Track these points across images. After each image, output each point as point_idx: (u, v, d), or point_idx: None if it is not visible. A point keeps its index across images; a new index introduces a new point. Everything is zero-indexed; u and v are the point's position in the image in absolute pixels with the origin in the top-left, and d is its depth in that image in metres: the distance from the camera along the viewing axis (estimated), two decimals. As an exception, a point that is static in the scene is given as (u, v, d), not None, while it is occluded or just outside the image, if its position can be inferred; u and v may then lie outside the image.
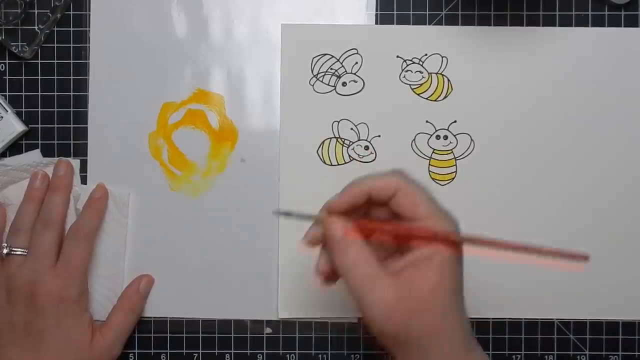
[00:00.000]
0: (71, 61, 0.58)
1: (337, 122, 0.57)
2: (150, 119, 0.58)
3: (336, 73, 0.57)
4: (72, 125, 0.58)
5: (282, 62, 0.57)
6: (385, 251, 0.44)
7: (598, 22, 0.57)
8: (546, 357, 0.57)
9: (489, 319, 0.57)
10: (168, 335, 0.58)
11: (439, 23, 0.57)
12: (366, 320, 0.42)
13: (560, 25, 0.57)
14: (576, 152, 0.57)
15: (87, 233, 0.54)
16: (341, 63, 0.57)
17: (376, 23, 0.57)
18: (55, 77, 0.58)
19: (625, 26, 0.57)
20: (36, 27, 0.57)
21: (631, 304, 0.57)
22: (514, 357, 0.57)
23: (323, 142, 0.57)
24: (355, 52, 0.57)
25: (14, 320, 0.52)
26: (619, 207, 0.57)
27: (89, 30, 0.58)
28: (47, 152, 0.58)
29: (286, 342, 0.58)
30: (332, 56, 0.57)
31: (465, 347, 0.42)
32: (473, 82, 0.57)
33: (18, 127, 0.57)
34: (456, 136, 0.57)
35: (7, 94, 0.58)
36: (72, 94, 0.58)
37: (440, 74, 0.57)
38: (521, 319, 0.57)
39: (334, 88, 0.57)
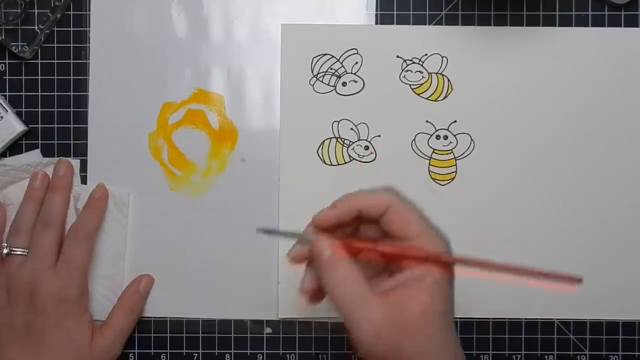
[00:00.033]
0: (71, 61, 0.58)
1: (337, 122, 0.57)
2: (150, 119, 0.58)
3: (336, 73, 0.57)
4: (72, 125, 0.58)
5: (282, 62, 0.57)
6: (373, 270, 0.44)
7: (598, 22, 0.57)
8: (546, 357, 0.57)
9: (489, 318, 0.57)
10: (168, 335, 0.58)
11: (439, 23, 0.57)
12: (354, 341, 0.40)
13: (560, 25, 0.57)
14: (576, 153, 0.57)
15: (87, 233, 0.54)
16: (341, 63, 0.57)
17: (376, 23, 0.57)
18: (55, 77, 0.58)
19: (625, 26, 0.57)
20: (36, 27, 0.57)
21: (631, 304, 0.57)
22: (514, 357, 0.57)
23: (323, 142, 0.57)
24: (355, 52, 0.57)
25: (14, 320, 0.52)
26: (619, 207, 0.57)
27: (89, 30, 0.58)
28: (47, 152, 0.58)
29: (286, 342, 0.58)
30: (332, 56, 0.57)
31: None
32: (473, 82, 0.57)
33: (18, 127, 0.57)
34: (456, 136, 0.57)
35: (7, 94, 0.58)
36: (72, 94, 0.58)
37: (440, 74, 0.57)
38: (521, 319, 0.57)
39: (334, 88, 0.57)
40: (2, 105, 0.56)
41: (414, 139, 0.57)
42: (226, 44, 0.58)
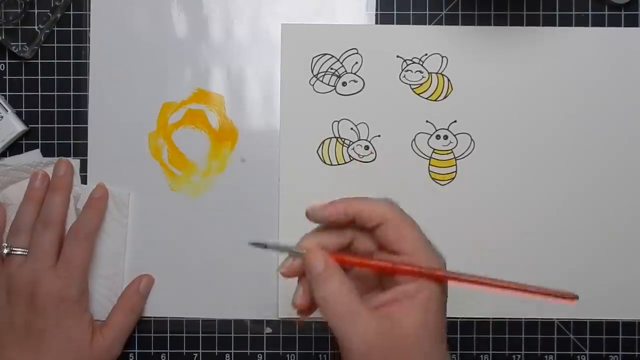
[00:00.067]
0: (71, 61, 0.58)
1: (337, 122, 0.57)
2: (150, 119, 0.58)
3: (336, 73, 0.57)
4: (72, 125, 0.58)
5: (282, 62, 0.57)
6: (366, 284, 0.43)
7: (598, 22, 0.57)
8: (546, 357, 0.57)
9: (489, 318, 0.57)
10: (168, 335, 0.58)
11: (439, 23, 0.57)
12: (344, 355, 0.40)
13: (560, 25, 0.57)
14: (576, 152, 0.57)
15: (87, 233, 0.54)
16: (341, 63, 0.57)
17: (376, 23, 0.57)
18: (55, 77, 0.58)
19: (625, 26, 0.57)
20: (36, 27, 0.57)
21: (631, 304, 0.57)
22: (514, 357, 0.57)
23: (323, 142, 0.57)
24: (355, 52, 0.57)
25: (14, 321, 0.52)
26: (619, 207, 0.57)
27: (89, 30, 0.58)
28: (47, 152, 0.58)
29: (286, 342, 0.58)
30: (332, 56, 0.57)
31: None
32: (473, 82, 0.57)
33: (18, 127, 0.57)
34: (456, 136, 0.57)
35: (7, 94, 0.58)
36: (72, 94, 0.58)
37: (440, 73, 0.57)
38: (521, 319, 0.57)
39: (334, 88, 0.57)
40: (2, 105, 0.56)
41: (414, 139, 0.57)
42: (226, 44, 0.58)
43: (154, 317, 0.58)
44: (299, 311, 0.43)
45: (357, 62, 0.57)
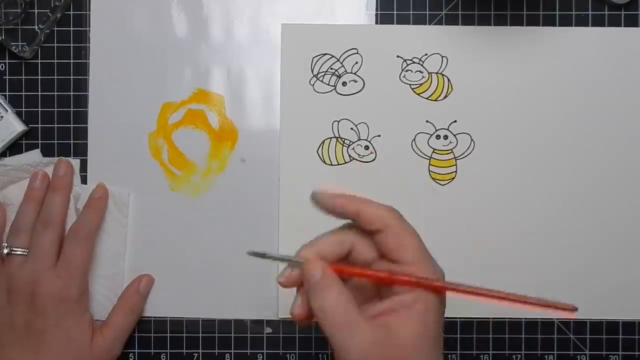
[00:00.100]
0: (71, 61, 0.58)
1: (337, 122, 0.57)
2: (150, 119, 0.58)
3: (336, 73, 0.57)
4: (72, 125, 0.58)
5: (282, 62, 0.57)
6: (364, 293, 0.43)
7: (598, 22, 0.57)
8: (546, 357, 0.57)
9: (489, 318, 0.57)
10: (168, 335, 0.58)
11: (439, 23, 0.57)
12: None
13: (560, 25, 0.57)
14: (576, 152, 0.57)
15: (87, 233, 0.54)
16: (341, 63, 0.57)
17: (376, 23, 0.57)
18: (55, 77, 0.58)
19: (625, 26, 0.57)
20: (36, 27, 0.57)
21: (631, 304, 0.57)
22: (514, 357, 0.57)
23: (323, 142, 0.57)
24: (355, 52, 0.57)
25: (14, 321, 0.52)
26: (619, 207, 0.57)
27: (89, 30, 0.58)
28: (47, 152, 0.58)
29: (286, 342, 0.58)
30: (332, 56, 0.57)
31: None
32: (473, 82, 0.57)
33: (18, 127, 0.57)
34: (456, 136, 0.57)
35: (7, 93, 0.58)
36: (72, 93, 0.58)
37: (440, 73, 0.57)
38: (521, 319, 0.57)
39: (334, 88, 0.57)
40: (2, 105, 0.56)
41: (414, 139, 0.57)
42: (226, 44, 0.58)
43: (154, 317, 0.58)
44: (298, 321, 0.43)
45: (357, 62, 0.57)
